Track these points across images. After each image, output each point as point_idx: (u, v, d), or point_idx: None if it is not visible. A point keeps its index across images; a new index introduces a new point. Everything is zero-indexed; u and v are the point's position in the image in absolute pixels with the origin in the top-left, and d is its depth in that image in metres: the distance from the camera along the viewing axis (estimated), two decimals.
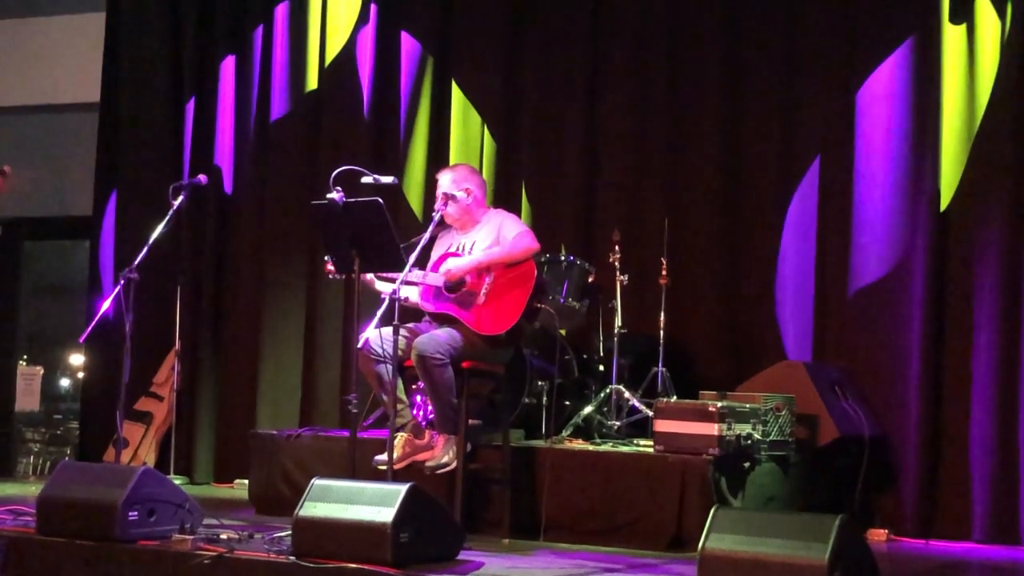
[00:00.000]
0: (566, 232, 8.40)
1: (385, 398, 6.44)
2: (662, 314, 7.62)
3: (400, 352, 6.28)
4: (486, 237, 6.74)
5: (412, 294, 6.69)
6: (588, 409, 7.48)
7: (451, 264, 6.60)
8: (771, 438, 6.74)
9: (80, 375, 10.89)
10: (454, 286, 6.62)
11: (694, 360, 8.09)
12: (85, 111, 10.22)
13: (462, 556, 5.57)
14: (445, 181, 6.87)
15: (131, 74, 9.95)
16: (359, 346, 6.26)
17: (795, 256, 7.94)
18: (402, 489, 5.34)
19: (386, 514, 5.25)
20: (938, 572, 6.45)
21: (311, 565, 5.26)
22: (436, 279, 6.63)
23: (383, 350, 6.37)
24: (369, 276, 6.59)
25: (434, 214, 6.69)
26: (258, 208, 9.44)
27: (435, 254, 6.91)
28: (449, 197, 6.78)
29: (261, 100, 9.46)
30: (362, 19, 9.20)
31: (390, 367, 6.37)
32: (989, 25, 7.43)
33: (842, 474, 7.25)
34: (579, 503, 6.69)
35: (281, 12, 9.49)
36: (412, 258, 6.22)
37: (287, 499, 7.01)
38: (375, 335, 6.33)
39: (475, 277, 6.63)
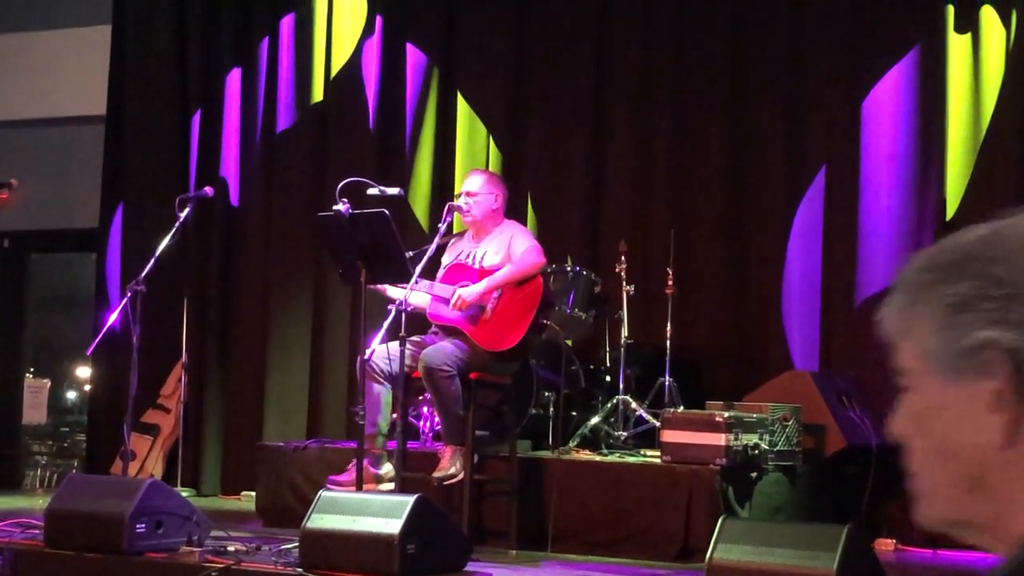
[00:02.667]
0: (572, 242, 8.41)
1: (366, 413, 6.33)
2: (669, 324, 7.61)
3: (407, 364, 6.28)
4: (497, 249, 6.75)
5: (421, 302, 6.69)
6: (595, 420, 7.48)
7: (462, 292, 6.58)
8: (778, 448, 6.73)
9: (87, 387, 10.90)
10: (471, 315, 6.62)
11: (701, 370, 8.09)
12: (91, 124, 10.24)
13: (469, 567, 5.57)
14: (476, 182, 6.87)
15: (137, 86, 9.97)
16: (365, 357, 6.27)
17: (801, 266, 7.93)
18: (409, 500, 5.34)
19: (393, 525, 5.24)
20: None
21: None
22: (444, 290, 6.63)
23: (389, 367, 6.38)
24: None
25: (440, 225, 6.70)
26: (264, 220, 9.45)
27: (444, 262, 6.92)
28: (455, 208, 6.79)
29: (267, 112, 9.47)
30: (367, 31, 9.22)
31: (388, 388, 6.40)
32: (994, 34, 7.43)
33: (849, 484, 7.25)
34: (586, 514, 6.69)
35: (287, 24, 9.50)
36: (419, 268, 6.22)
37: (294, 511, 7.02)
38: (382, 351, 6.33)
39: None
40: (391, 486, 6.45)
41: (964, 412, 1.29)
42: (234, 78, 9.65)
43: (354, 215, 6.17)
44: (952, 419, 1.31)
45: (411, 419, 7.28)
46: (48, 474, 10.67)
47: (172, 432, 9.41)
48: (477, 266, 6.76)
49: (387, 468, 6.61)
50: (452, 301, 6.56)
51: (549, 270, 7.38)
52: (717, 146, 8.24)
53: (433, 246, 6.47)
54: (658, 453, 6.82)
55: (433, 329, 6.82)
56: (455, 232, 7.36)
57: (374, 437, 6.51)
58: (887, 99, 7.72)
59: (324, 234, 6.57)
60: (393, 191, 6.70)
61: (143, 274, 6.53)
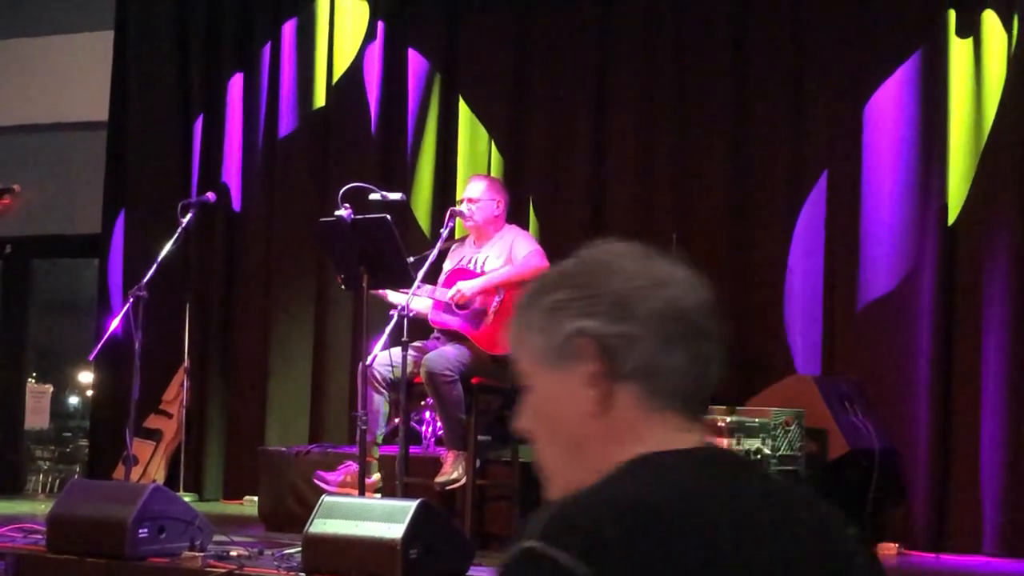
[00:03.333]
0: (574, 247, 8.31)
1: (367, 417, 6.35)
2: None
3: (409, 370, 6.28)
4: (499, 254, 6.75)
5: (422, 307, 6.70)
6: None
7: (461, 285, 6.60)
8: (780, 453, 6.73)
9: (89, 393, 10.90)
10: (465, 305, 6.63)
11: None
12: (93, 129, 10.24)
13: (472, 572, 5.57)
14: (478, 187, 6.88)
15: (139, 92, 9.97)
16: (367, 363, 6.27)
17: (803, 270, 7.93)
18: (412, 505, 5.34)
19: (396, 530, 5.24)
20: None
21: None
22: (445, 294, 6.64)
23: (390, 373, 6.38)
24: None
25: (442, 230, 6.70)
26: (266, 225, 9.45)
27: (446, 268, 6.92)
28: (457, 213, 6.80)
29: (269, 117, 9.48)
30: (369, 36, 9.23)
31: (386, 398, 6.41)
32: (996, 39, 7.43)
33: (852, 488, 7.24)
34: None
35: (288, 30, 9.51)
36: (421, 273, 6.23)
37: (297, 516, 7.02)
38: (384, 357, 6.32)
39: (485, 296, 6.64)
40: (378, 496, 6.48)
41: (567, 393, 1.62)
42: (236, 83, 9.65)
43: (356, 220, 6.17)
44: (559, 401, 1.63)
45: (413, 424, 7.28)
46: (50, 479, 10.68)
47: (174, 437, 9.42)
48: (479, 271, 6.77)
49: (375, 476, 6.63)
50: (451, 293, 6.58)
51: None
52: (719, 150, 8.23)
53: (435, 251, 6.47)
54: None
55: (435, 334, 6.82)
56: (457, 238, 7.36)
57: (370, 446, 6.51)
58: (889, 104, 7.72)
59: (326, 239, 6.57)
60: (395, 196, 6.71)
61: (145, 279, 6.54)
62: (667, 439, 1.59)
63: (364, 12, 9.29)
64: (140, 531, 5.70)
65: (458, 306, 6.64)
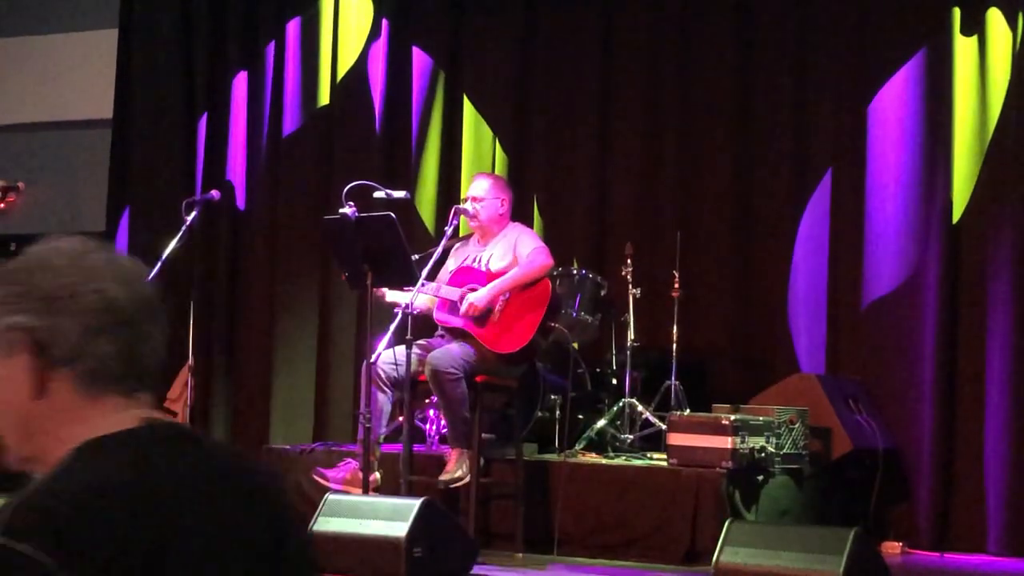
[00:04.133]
0: (578, 245, 8.40)
1: (371, 415, 6.34)
2: (675, 327, 7.61)
3: (413, 368, 6.28)
4: (503, 252, 6.75)
5: (425, 304, 6.69)
6: (601, 423, 7.47)
7: (471, 299, 6.58)
8: (785, 451, 6.73)
9: None
10: (479, 318, 6.61)
11: (707, 373, 8.09)
12: (98, 127, 10.24)
13: (476, 571, 5.58)
14: (482, 186, 6.87)
15: (143, 90, 9.97)
16: (371, 360, 6.27)
17: (808, 269, 7.93)
18: (416, 504, 5.35)
19: (400, 529, 5.25)
20: None
21: None
22: (450, 292, 6.64)
23: (395, 371, 6.37)
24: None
25: (447, 228, 6.70)
26: (271, 223, 9.45)
27: (450, 267, 6.92)
28: (462, 211, 6.80)
29: (273, 116, 9.47)
30: (373, 34, 9.22)
31: (389, 397, 6.40)
32: (1001, 37, 7.43)
33: (856, 487, 7.25)
34: (593, 517, 6.69)
35: (293, 28, 9.51)
36: (425, 271, 6.23)
37: (301, 514, 7.01)
38: (388, 355, 6.32)
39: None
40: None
41: (9, 380, 1.80)
42: (240, 82, 9.65)
43: (360, 218, 6.18)
44: (4, 386, 1.80)
45: (417, 422, 7.28)
46: None
47: None
48: (484, 269, 6.77)
49: (375, 475, 6.62)
50: (463, 308, 6.56)
51: (555, 273, 7.38)
52: (723, 148, 8.23)
53: (439, 250, 6.47)
54: (664, 456, 6.82)
55: (440, 332, 6.82)
56: (461, 236, 7.36)
57: (373, 445, 6.51)
58: (893, 102, 7.71)
59: (330, 237, 6.58)
60: (399, 194, 6.70)
61: (149, 277, 6.54)
62: (110, 421, 1.78)
63: (368, 10, 9.29)
64: None
65: (472, 317, 6.61)
